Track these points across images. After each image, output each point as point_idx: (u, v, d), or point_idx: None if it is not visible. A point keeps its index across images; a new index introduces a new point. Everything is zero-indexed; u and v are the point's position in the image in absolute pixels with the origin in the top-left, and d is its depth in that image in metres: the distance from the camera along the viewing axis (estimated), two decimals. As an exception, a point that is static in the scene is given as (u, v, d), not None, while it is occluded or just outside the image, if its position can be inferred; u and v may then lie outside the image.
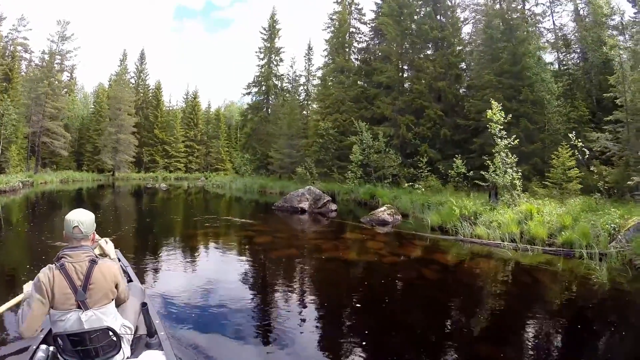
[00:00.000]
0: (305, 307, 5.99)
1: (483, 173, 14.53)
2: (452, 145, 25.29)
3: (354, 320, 5.55)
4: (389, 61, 30.29)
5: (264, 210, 21.29)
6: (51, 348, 3.02)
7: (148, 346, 3.36)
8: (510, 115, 15.03)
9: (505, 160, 13.96)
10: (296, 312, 5.74)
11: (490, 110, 14.49)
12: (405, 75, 29.89)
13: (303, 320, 5.40)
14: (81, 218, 3.04)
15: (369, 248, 10.28)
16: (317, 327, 5.29)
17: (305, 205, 18.22)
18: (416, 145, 25.76)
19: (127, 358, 3.05)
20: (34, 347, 3.18)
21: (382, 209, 15.00)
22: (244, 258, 9.39)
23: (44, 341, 3.29)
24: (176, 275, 7.49)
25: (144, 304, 3.45)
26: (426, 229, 12.94)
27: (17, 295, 3.30)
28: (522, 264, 8.79)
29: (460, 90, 28.97)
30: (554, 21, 30.06)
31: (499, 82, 22.39)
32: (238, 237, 12.17)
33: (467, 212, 12.68)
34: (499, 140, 14.13)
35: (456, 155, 19.06)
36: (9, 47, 48.91)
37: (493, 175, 13.92)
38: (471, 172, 17.88)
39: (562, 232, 10.07)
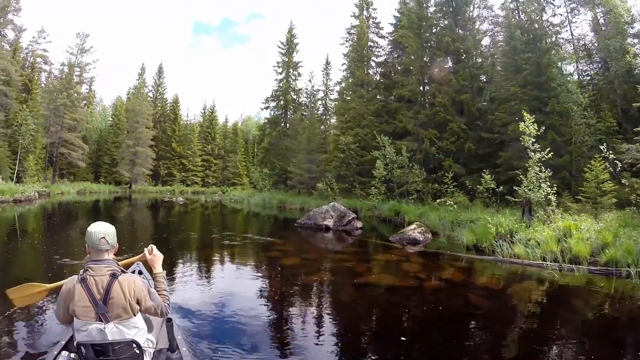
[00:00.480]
0: (341, 338, 5.52)
1: (516, 188, 14.03)
2: (476, 160, 24.64)
3: (400, 353, 5.00)
4: (410, 74, 29.97)
5: (286, 227, 20.89)
6: (72, 355, 3.09)
7: None
8: (543, 128, 14.62)
9: (539, 174, 13.47)
10: (330, 343, 5.24)
11: (522, 123, 14.05)
12: (426, 88, 29.35)
13: (338, 353, 4.94)
14: (106, 230, 3.06)
15: (405, 271, 9.59)
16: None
17: (329, 222, 17.67)
18: (440, 160, 25.15)
19: None
20: (55, 352, 3.24)
21: (412, 227, 14.39)
22: (270, 282, 8.68)
23: (65, 348, 3.35)
24: (198, 294, 7.24)
25: (169, 320, 3.44)
26: (461, 249, 12.42)
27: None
28: (570, 286, 8.30)
29: (482, 103, 28.38)
30: (572, 32, 29.52)
31: (524, 93, 21.86)
32: (263, 258, 11.54)
33: (503, 230, 12.11)
34: (532, 153, 13.67)
35: (484, 170, 18.44)
36: (28, 59, 49.98)
37: (526, 190, 13.42)
38: (500, 187, 17.28)
39: (605, 250, 9.56)
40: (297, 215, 25.58)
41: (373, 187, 24.96)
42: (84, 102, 59.38)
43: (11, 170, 37.58)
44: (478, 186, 18.36)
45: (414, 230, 13.99)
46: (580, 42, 29.40)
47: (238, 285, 8.12)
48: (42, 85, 52.33)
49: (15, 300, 3.62)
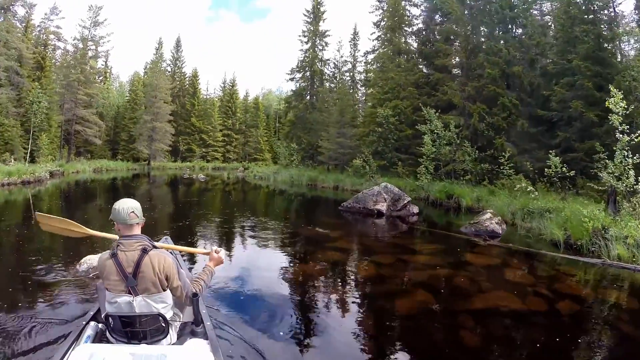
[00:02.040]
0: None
1: (600, 175, 12.42)
2: (526, 139, 22.77)
3: None
4: (452, 43, 28.13)
5: (327, 210, 19.25)
6: (100, 325, 3.26)
7: (194, 334, 3.36)
8: (631, 106, 12.90)
9: (627, 159, 11.81)
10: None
11: (611, 99, 12.25)
12: (473, 59, 27.15)
13: None
14: (133, 204, 3.11)
15: (517, 283, 7.49)
16: None
17: (382, 207, 15.82)
18: (489, 138, 23.17)
19: (173, 344, 3.16)
20: (84, 322, 3.36)
21: (487, 216, 12.50)
22: (350, 307, 6.13)
23: (93, 318, 3.49)
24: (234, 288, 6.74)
25: (195, 294, 3.31)
26: (546, 245, 10.76)
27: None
28: None
29: (533, 78, 26.28)
30: (614, 9, 27.38)
31: (587, 68, 19.93)
32: (322, 264, 8.45)
33: (599, 225, 10.44)
34: (620, 135, 11.99)
35: (550, 152, 16.55)
36: (41, 36, 48.78)
37: (611, 178, 11.80)
38: (572, 172, 15.45)
39: None
40: (331, 195, 24.12)
41: (422, 166, 22.66)
42: (100, 77, 58.59)
43: (24, 150, 36.19)
44: (546, 170, 16.43)
45: (490, 220, 12.19)
46: (624, 20, 27.38)
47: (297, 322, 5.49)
48: (57, 63, 51.04)
49: (42, 225, 3.84)
